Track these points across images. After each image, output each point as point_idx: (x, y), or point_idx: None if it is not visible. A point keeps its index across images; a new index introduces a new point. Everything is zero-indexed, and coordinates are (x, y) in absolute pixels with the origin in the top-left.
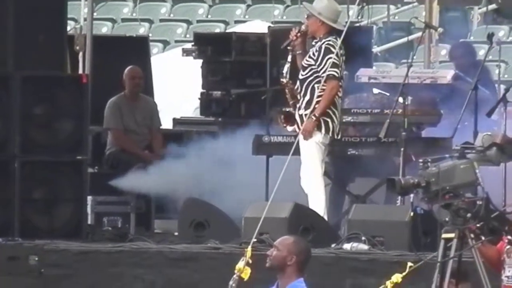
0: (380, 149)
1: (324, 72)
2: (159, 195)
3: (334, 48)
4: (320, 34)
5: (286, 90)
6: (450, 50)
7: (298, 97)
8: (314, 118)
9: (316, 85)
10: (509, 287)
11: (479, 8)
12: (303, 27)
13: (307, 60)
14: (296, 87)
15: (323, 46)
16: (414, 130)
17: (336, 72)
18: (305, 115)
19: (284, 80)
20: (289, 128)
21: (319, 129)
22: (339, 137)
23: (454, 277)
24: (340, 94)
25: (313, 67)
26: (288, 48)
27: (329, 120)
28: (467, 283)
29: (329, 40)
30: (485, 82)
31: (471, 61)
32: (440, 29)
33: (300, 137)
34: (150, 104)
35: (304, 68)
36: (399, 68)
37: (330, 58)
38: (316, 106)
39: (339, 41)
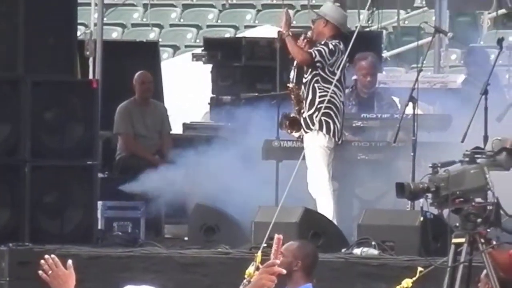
0: (390, 153)
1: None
2: (169, 200)
3: (332, 46)
4: (325, 37)
5: (292, 96)
6: (465, 56)
7: (304, 102)
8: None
9: (316, 85)
10: None
11: (489, 13)
12: (308, 33)
13: None
14: (301, 91)
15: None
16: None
17: (313, 52)
18: (309, 116)
19: (291, 85)
20: (295, 134)
21: (320, 128)
22: (340, 142)
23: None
24: (341, 99)
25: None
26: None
27: (330, 121)
28: None
29: (331, 42)
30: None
31: (485, 68)
32: (450, 34)
33: (305, 142)
34: (160, 109)
35: (306, 71)
36: (409, 73)
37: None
38: (319, 106)
39: (342, 45)
